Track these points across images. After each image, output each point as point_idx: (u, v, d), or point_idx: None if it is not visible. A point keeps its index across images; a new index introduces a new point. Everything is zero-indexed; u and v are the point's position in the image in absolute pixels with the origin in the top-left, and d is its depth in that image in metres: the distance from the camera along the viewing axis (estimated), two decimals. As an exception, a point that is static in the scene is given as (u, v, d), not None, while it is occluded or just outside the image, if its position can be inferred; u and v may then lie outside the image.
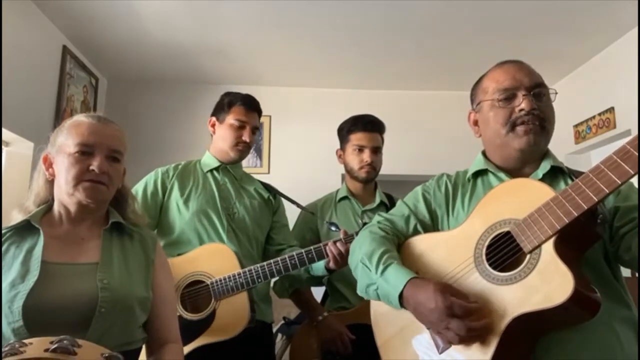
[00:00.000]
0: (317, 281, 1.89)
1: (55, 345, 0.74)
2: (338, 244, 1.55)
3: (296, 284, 1.87)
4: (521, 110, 1.07)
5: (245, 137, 1.77)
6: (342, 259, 1.54)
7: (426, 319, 0.97)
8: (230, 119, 1.77)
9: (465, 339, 0.91)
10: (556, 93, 1.13)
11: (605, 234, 0.99)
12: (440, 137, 3.97)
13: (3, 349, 0.73)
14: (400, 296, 1.01)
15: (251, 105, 1.80)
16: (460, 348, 0.95)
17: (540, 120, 1.08)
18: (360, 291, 1.15)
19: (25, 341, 0.75)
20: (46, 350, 0.73)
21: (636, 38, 2.88)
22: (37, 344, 0.75)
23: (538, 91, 1.09)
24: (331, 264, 1.58)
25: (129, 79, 3.86)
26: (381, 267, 1.06)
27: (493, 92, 1.12)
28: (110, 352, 0.79)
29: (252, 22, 2.98)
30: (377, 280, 1.07)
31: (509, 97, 1.10)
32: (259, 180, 1.90)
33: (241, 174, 1.86)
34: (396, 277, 1.03)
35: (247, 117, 1.78)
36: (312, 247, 1.58)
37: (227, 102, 1.80)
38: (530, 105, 1.06)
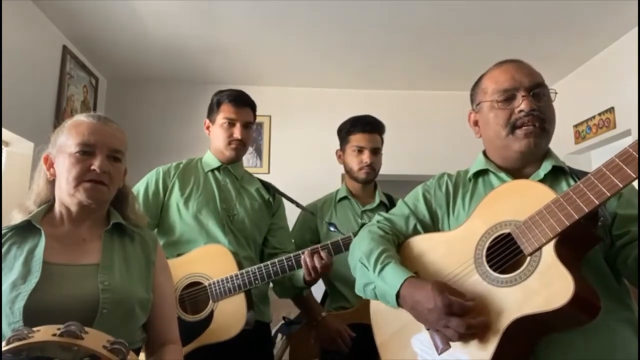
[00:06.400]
0: (292, 292, 1.77)
1: (63, 330, 0.76)
2: (315, 257, 1.53)
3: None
4: (521, 111, 1.06)
5: (237, 134, 1.72)
6: (316, 271, 1.52)
7: (424, 318, 0.97)
8: (220, 118, 1.73)
9: (465, 337, 0.91)
10: (556, 93, 1.12)
11: (607, 238, 0.99)
12: (440, 137, 3.97)
13: (11, 335, 0.75)
14: (398, 295, 1.01)
15: (240, 101, 1.75)
16: (460, 349, 0.95)
17: (540, 122, 1.07)
18: (358, 291, 1.16)
19: (33, 328, 0.78)
20: (54, 334, 0.76)
21: (636, 38, 2.88)
22: (45, 330, 0.77)
23: (538, 91, 1.08)
24: (306, 276, 1.56)
25: (129, 79, 3.86)
26: (379, 267, 1.06)
27: (492, 93, 1.11)
28: (116, 339, 0.81)
29: (252, 22, 2.98)
30: (374, 280, 1.07)
31: (508, 97, 1.09)
32: (259, 179, 1.88)
33: (242, 173, 1.83)
34: (393, 277, 1.03)
35: (237, 114, 1.73)
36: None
37: (215, 102, 1.76)
38: (529, 106, 1.05)
